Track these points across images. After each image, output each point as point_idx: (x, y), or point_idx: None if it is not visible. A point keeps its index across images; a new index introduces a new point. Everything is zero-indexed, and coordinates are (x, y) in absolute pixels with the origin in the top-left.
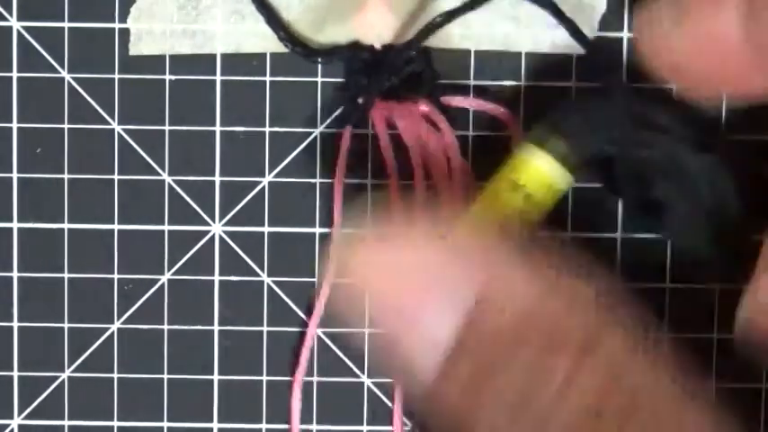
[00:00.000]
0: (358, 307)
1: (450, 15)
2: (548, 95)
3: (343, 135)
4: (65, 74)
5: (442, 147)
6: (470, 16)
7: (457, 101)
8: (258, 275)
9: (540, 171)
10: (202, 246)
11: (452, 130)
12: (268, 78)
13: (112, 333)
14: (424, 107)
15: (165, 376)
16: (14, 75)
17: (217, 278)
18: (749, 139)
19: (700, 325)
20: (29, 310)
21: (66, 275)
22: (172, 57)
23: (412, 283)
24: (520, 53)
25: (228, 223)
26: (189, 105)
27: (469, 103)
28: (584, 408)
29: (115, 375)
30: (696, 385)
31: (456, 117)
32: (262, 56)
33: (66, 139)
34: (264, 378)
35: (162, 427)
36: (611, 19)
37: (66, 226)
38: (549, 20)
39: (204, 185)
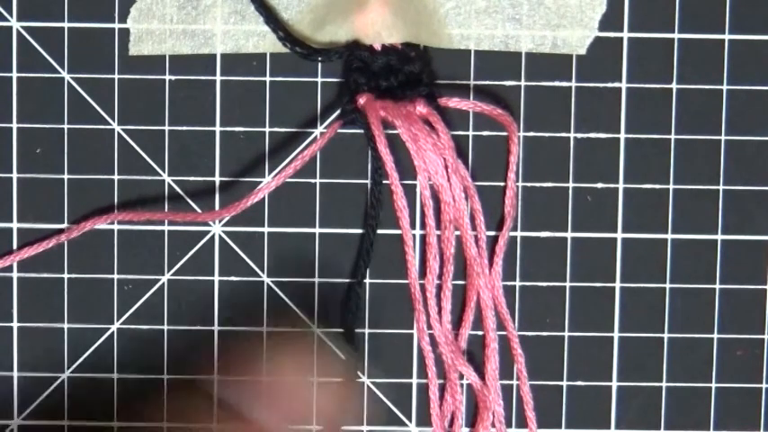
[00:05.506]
0: None
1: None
2: (548, 95)
3: (332, 126)
4: (65, 74)
5: (439, 147)
6: (470, 16)
7: (454, 102)
8: (258, 275)
9: None
10: (202, 246)
11: (449, 131)
12: (268, 78)
13: (112, 333)
14: (421, 108)
15: (165, 376)
16: (14, 75)
17: (217, 278)
18: (749, 139)
19: (700, 325)
20: (29, 310)
21: (66, 275)
22: (172, 57)
23: None
24: (520, 53)
25: (228, 223)
26: (189, 105)
27: (466, 104)
28: None
29: (115, 375)
30: None
31: (454, 117)
32: (262, 56)
33: (67, 139)
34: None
35: (162, 428)
36: (611, 19)
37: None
38: (549, 20)
39: (204, 185)
